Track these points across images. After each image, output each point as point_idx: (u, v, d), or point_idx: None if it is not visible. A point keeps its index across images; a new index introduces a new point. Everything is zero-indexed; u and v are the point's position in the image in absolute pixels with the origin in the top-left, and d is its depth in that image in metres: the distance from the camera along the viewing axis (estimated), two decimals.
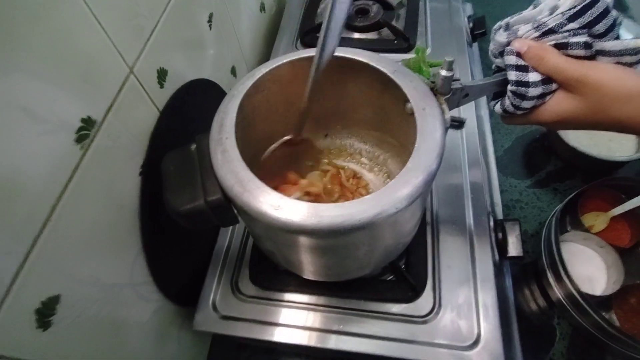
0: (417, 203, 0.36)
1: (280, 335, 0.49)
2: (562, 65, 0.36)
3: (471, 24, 0.81)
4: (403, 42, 0.75)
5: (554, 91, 0.38)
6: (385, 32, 0.79)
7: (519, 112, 0.41)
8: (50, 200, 0.32)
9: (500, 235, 0.55)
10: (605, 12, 0.34)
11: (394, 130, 0.52)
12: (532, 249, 0.68)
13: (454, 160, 0.60)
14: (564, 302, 0.60)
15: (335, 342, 0.48)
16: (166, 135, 0.47)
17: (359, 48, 0.75)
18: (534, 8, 0.39)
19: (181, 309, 0.53)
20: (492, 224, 0.56)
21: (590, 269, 0.63)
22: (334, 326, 0.49)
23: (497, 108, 0.44)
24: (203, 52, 0.57)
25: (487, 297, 0.49)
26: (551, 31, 0.36)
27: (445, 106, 0.41)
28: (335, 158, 0.59)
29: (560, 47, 0.36)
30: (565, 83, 0.37)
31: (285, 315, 0.50)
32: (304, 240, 0.37)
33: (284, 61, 0.45)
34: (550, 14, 0.37)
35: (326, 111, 0.54)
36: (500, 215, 0.66)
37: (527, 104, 0.39)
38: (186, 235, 0.52)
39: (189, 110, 0.52)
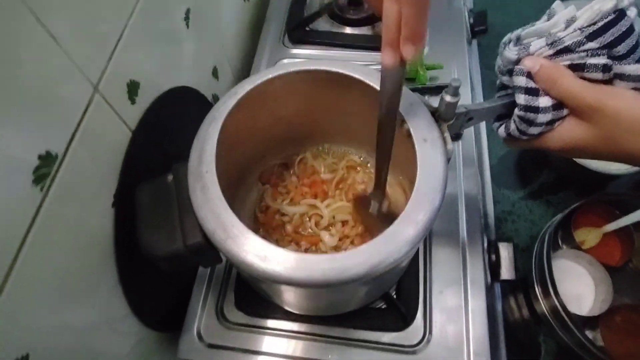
0: (419, 240, 0.34)
1: None
2: (576, 90, 0.33)
3: (471, 20, 0.76)
4: None
5: (564, 117, 0.35)
6: (380, 26, 0.74)
7: (525, 138, 0.38)
8: (7, 258, 0.28)
9: (493, 257, 0.53)
10: (629, 32, 0.31)
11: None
12: (522, 264, 0.67)
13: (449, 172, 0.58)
14: (549, 317, 0.59)
15: None
16: (141, 156, 0.42)
17: (352, 45, 0.72)
18: (548, 19, 0.35)
19: (163, 335, 0.50)
20: (485, 245, 0.54)
21: (579, 287, 0.62)
22: (322, 356, 0.47)
23: (501, 131, 0.40)
24: (180, 56, 0.52)
25: (478, 325, 0.47)
26: (567, 50, 0.33)
27: (447, 134, 0.38)
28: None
29: (575, 68, 0.33)
30: (578, 110, 0.34)
31: (272, 343, 0.48)
32: (293, 288, 0.34)
33: (270, 76, 0.41)
34: (567, 27, 0.33)
35: (325, 125, 0.50)
36: (492, 229, 0.65)
37: (534, 130, 0.36)
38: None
39: (166, 124, 0.47)
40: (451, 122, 0.38)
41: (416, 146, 0.35)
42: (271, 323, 0.49)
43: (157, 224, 0.35)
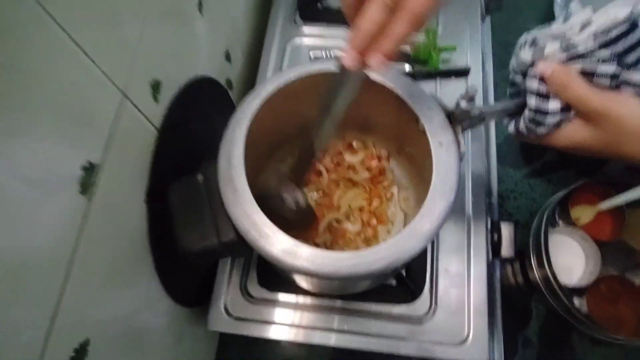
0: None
1: (288, 334, 0.52)
2: (585, 96, 0.35)
3: None
4: None
5: (571, 118, 0.38)
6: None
7: (532, 136, 0.41)
8: (64, 261, 0.31)
9: (495, 235, 0.58)
10: (639, 43, 0.32)
11: (408, 141, 0.51)
12: (521, 237, 0.71)
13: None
14: (541, 286, 0.65)
15: (339, 341, 0.52)
16: (167, 152, 0.44)
17: None
18: (564, 20, 0.36)
19: (192, 310, 0.55)
20: (489, 224, 0.58)
21: (570, 259, 0.67)
22: (339, 326, 0.52)
23: (510, 128, 0.43)
24: (196, 45, 0.52)
25: (479, 301, 0.52)
26: (580, 55, 0.34)
27: (461, 136, 0.40)
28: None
29: (586, 74, 0.35)
30: (585, 114, 0.36)
31: (291, 315, 0.53)
32: (320, 280, 0.38)
33: (291, 77, 0.42)
34: (581, 30, 0.34)
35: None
36: (496, 208, 0.68)
37: (542, 130, 0.39)
38: None
39: (187, 117, 0.49)
40: (465, 124, 0.40)
41: (432, 150, 0.38)
42: (291, 298, 0.54)
43: (191, 222, 0.38)
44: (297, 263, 0.34)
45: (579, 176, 0.65)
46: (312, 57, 0.68)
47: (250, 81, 0.73)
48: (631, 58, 0.33)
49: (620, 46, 0.33)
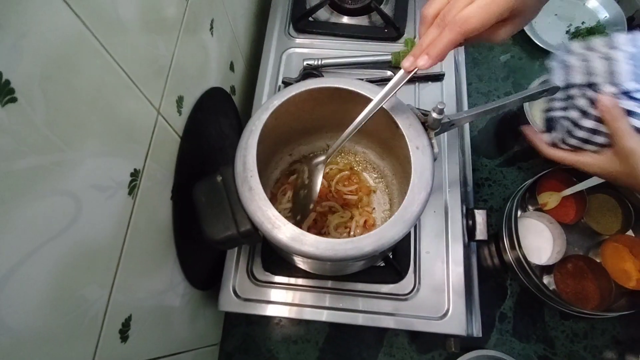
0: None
1: (289, 312, 0.60)
2: (626, 133, 0.43)
3: None
4: (393, 30, 0.78)
5: (597, 143, 0.47)
6: (376, 16, 0.81)
7: (565, 147, 0.50)
8: (118, 249, 0.39)
9: (470, 222, 0.66)
10: None
11: (393, 143, 0.59)
12: (495, 221, 0.80)
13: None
14: (514, 265, 0.74)
15: (331, 317, 0.60)
16: (187, 156, 0.52)
17: (349, 34, 0.79)
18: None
19: (204, 292, 0.63)
20: (464, 211, 0.66)
21: (539, 240, 0.76)
22: (334, 304, 0.61)
23: (547, 139, 0.53)
24: (208, 61, 0.60)
25: (457, 279, 0.61)
26: (627, 95, 0.42)
27: (434, 141, 0.48)
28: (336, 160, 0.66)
29: (628, 112, 0.43)
30: (618, 147, 0.44)
31: (291, 295, 0.61)
32: (323, 262, 0.46)
33: (294, 93, 0.50)
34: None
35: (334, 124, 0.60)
36: (471, 195, 0.77)
37: (572, 142, 0.49)
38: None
39: (203, 126, 0.57)
40: (437, 130, 0.48)
41: (410, 153, 0.46)
42: (291, 280, 0.62)
43: (214, 215, 0.46)
44: (303, 248, 0.42)
45: (545, 165, 0.74)
46: (305, 65, 0.76)
47: (251, 86, 0.81)
48: None
49: None
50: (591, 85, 0.45)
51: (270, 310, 0.61)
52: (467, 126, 0.82)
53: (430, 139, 0.47)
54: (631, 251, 0.74)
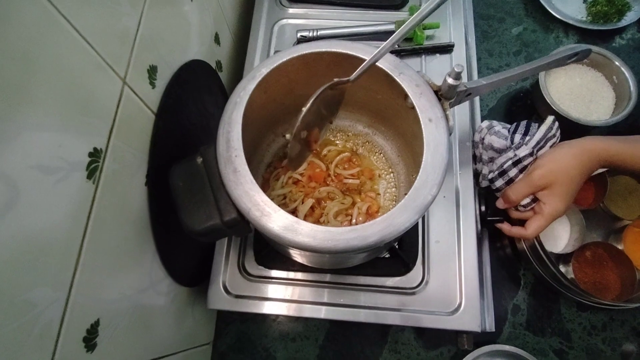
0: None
1: (286, 309, 0.55)
2: (529, 183, 0.54)
3: None
4: None
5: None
6: None
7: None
8: (76, 243, 0.32)
9: (483, 207, 0.60)
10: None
11: (386, 114, 0.52)
12: None
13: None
14: (528, 254, 0.68)
15: (336, 314, 0.54)
16: (165, 137, 0.45)
17: (347, 3, 0.72)
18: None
19: (192, 289, 0.57)
20: (477, 196, 0.60)
21: (556, 227, 0.70)
22: (334, 300, 0.55)
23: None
24: (187, 29, 0.52)
25: (470, 270, 0.55)
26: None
27: (449, 112, 0.42)
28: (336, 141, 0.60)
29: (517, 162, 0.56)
30: (541, 187, 0.53)
31: (289, 291, 0.55)
32: (320, 254, 0.40)
33: (285, 59, 0.43)
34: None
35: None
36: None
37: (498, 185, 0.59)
38: None
39: (182, 102, 0.50)
40: (452, 100, 0.42)
41: (422, 126, 0.39)
42: (287, 274, 0.56)
43: (194, 203, 0.40)
44: (297, 239, 0.36)
45: None
46: (298, 36, 0.68)
47: (239, 63, 0.74)
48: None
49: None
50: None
51: (264, 308, 0.55)
52: (477, 103, 0.76)
53: (444, 110, 0.41)
54: None
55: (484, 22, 0.86)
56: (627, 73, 0.75)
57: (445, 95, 0.41)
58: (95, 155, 0.34)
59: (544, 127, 0.57)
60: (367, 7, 0.71)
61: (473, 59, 0.75)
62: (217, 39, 0.64)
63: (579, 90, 0.77)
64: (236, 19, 0.74)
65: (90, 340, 0.34)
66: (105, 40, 0.35)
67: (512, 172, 0.57)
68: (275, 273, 0.56)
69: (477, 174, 0.62)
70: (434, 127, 0.40)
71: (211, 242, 0.58)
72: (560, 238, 0.70)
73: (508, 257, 0.72)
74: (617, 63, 0.75)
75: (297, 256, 0.50)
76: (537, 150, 0.56)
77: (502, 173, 0.58)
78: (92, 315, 0.35)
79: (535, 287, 0.70)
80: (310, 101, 0.37)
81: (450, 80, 0.40)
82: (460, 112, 0.64)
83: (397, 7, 0.71)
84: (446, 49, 0.67)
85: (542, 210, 0.54)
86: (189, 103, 0.51)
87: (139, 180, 0.42)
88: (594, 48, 0.77)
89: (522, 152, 0.56)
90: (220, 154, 0.39)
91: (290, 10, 0.72)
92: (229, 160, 0.38)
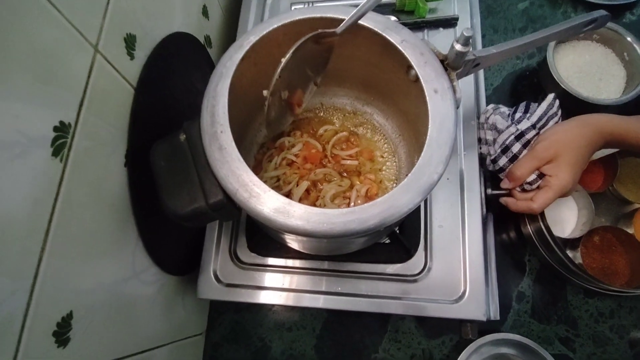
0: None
1: (278, 298, 0.52)
2: (535, 157, 0.52)
3: None
4: None
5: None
6: None
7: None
8: (42, 227, 0.29)
9: (488, 190, 0.57)
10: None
11: (386, 90, 0.48)
12: None
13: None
14: (534, 239, 0.65)
15: (328, 303, 0.51)
16: (146, 113, 0.42)
17: None
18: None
19: (182, 278, 0.54)
20: (482, 178, 0.57)
21: (563, 210, 0.67)
22: (332, 288, 0.52)
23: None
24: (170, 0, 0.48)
25: (475, 256, 0.52)
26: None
27: (456, 83, 0.38)
28: (330, 118, 0.56)
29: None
30: (547, 159, 0.51)
31: (284, 279, 0.52)
32: (316, 240, 0.37)
33: (275, 26, 0.39)
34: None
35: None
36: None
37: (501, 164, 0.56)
38: None
39: (164, 75, 0.46)
40: (460, 69, 0.38)
41: (427, 98, 0.36)
42: (283, 262, 0.53)
43: (177, 184, 0.36)
44: (290, 222, 0.33)
45: None
46: (292, 9, 0.64)
47: (230, 39, 0.69)
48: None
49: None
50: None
51: (258, 297, 0.52)
52: (482, 81, 0.72)
53: (451, 80, 0.37)
54: None
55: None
56: (639, 50, 0.71)
57: (452, 65, 0.38)
58: (63, 130, 0.30)
59: (544, 104, 0.55)
60: None
61: (477, 35, 0.71)
62: (205, 12, 0.59)
63: (589, 67, 0.73)
64: None
65: (61, 334, 0.31)
66: (72, 1, 0.30)
67: (516, 148, 0.54)
68: (269, 261, 0.53)
69: (482, 158, 0.59)
70: (439, 99, 0.36)
71: (200, 228, 0.55)
72: (567, 222, 0.67)
73: (513, 243, 0.69)
74: (629, 39, 0.71)
75: (292, 242, 0.47)
76: (540, 127, 0.54)
77: (505, 149, 0.54)
78: (64, 308, 0.32)
79: (540, 273, 0.67)
80: (290, 52, 0.33)
81: (458, 47, 0.36)
82: (466, 89, 0.60)
83: None
84: (450, 22, 0.63)
85: (550, 182, 0.51)
86: (173, 78, 0.47)
87: (118, 160, 0.39)
88: (609, 25, 0.73)
89: (524, 125, 0.54)
90: (205, 129, 0.35)
91: None
92: (214, 136, 0.35)
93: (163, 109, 0.45)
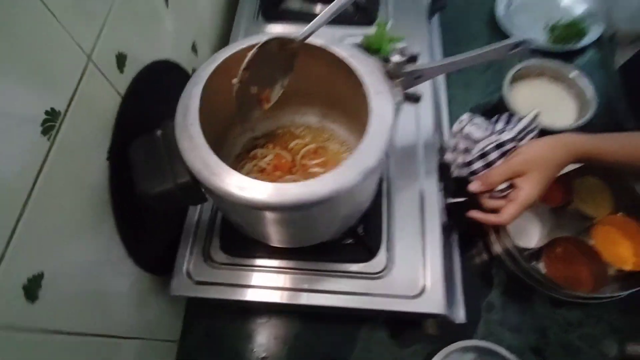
0: (371, 178, 0.41)
1: (250, 295, 0.55)
2: (507, 167, 0.56)
3: None
4: (364, 16, 0.76)
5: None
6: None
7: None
8: (25, 190, 0.33)
9: (449, 199, 0.61)
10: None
11: (347, 107, 0.55)
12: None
13: (409, 134, 0.65)
14: (502, 255, 0.68)
15: (300, 299, 0.54)
16: (130, 120, 0.48)
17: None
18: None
19: (157, 278, 0.57)
20: (441, 189, 0.62)
21: (527, 226, 0.71)
22: (297, 285, 0.55)
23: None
24: (162, 31, 0.57)
25: (434, 255, 0.56)
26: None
27: (398, 89, 0.44)
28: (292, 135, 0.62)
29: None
30: (517, 172, 0.55)
31: (254, 277, 0.56)
32: (269, 214, 0.41)
33: (246, 45, 0.46)
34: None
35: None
36: None
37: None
38: (157, 213, 0.55)
39: (151, 93, 0.53)
40: (401, 79, 0.45)
41: (369, 98, 0.42)
42: (254, 261, 0.57)
43: (150, 169, 0.41)
44: (246, 195, 0.37)
45: None
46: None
47: None
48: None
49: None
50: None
51: (228, 294, 0.55)
52: (446, 113, 0.79)
53: (394, 86, 0.44)
54: (625, 234, 0.69)
55: (454, 45, 0.92)
56: (585, 83, 0.80)
57: (394, 74, 0.45)
58: (52, 115, 0.36)
59: (527, 119, 0.61)
60: (339, 24, 0.77)
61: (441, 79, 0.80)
62: (194, 48, 0.68)
63: (543, 100, 0.82)
64: (216, 34, 0.80)
65: (31, 290, 0.34)
66: (72, 16, 0.38)
67: (493, 155, 0.59)
68: (239, 260, 0.56)
69: (445, 166, 0.64)
70: (381, 98, 0.42)
71: (177, 232, 0.59)
72: (532, 236, 0.71)
73: (480, 257, 0.72)
74: (574, 75, 0.81)
75: (259, 229, 0.50)
76: (519, 140, 0.60)
77: (483, 155, 0.59)
78: (36, 267, 0.35)
79: (508, 285, 0.69)
80: (255, 48, 0.40)
81: (395, 58, 0.43)
82: (425, 123, 0.68)
83: (367, 23, 0.76)
84: (411, 59, 0.71)
85: (518, 196, 0.55)
86: (158, 97, 0.54)
87: (100, 154, 0.44)
88: (554, 63, 0.82)
89: (506, 136, 0.59)
90: (178, 123, 0.41)
91: (267, 27, 0.78)
92: (185, 128, 0.41)
93: (145, 119, 0.52)
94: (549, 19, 0.93)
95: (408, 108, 0.67)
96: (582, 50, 0.90)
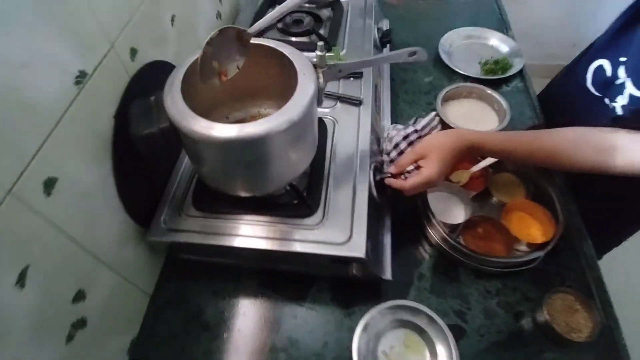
0: (298, 127, 0.57)
1: (213, 240, 0.68)
2: (412, 154, 0.74)
3: (380, 34, 1.06)
4: (325, 45, 0.98)
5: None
6: (314, 37, 1.02)
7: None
8: (57, 115, 0.50)
9: (377, 177, 0.77)
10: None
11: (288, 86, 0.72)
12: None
13: (352, 127, 0.83)
14: (433, 234, 0.81)
15: (249, 243, 0.68)
16: (133, 95, 0.66)
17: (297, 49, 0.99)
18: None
19: (140, 228, 0.71)
20: (372, 169, 0.77)
21: (453, 209, 0.85)
22: (249, 233, 0.69)
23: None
24: (166, 42, 0.78)
25: (360, 214, 0.69)
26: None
27: (320, 74, 0.63)
28: None
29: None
30: (420, 155, 0.72)
31: (217, 226, 0.70)
32: (226, 151, 0.57)
33: None
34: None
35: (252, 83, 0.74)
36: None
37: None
38: (146, 169, 0.71)
39: (151, 80, 0.72)
40: (324, 69, 0.63)
41: (298, 76, 0.60)
42: (216, 215, 0.71)
43: (141, 118, 0.59)
44: (208, 132, 0.54)
45: None
46: None
47: None
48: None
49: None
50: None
51: (193, 238, 0.69)
52: (388, 122, 0.98)
53: (317, 72, 0.62)
54: (533, 216, 0.82)
55: (403, 73, 1.15)
56: (503, 103, 0.99)
57: (319, 64, 0.63)
58: (82, 76, 0.54)
59: (428, 118, 0.83)
60: (306, 51, 0.98)
61: (386, 89, 1.00)
62: None
63: (471, 114, 1.00)
64: None
65: (48, 186, 0.49)
66: (106, 10, 0.58)
67: (402, 145, 0.78)
68: (206, 214, 0.71)
69: (382, 162, 0.82)
70: (306, 78, 0.60)
71: (161, 191, 0.74)
72: (457, 217, 0.84)
73: (416, 237, 0.85)
74: (496, 96, 1.01)
75: (223, 180, 0.65)
76: (423, 134, 0.79)
77: (396, 146, 0.79)
78: (54, 172, 0.50)
79: (438, 260, 0.81)
80: (216, 31, 0.56)
81: (318, 52, 0.62)
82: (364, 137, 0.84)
83: (327, 50, 0.98)
84: (357, 75, 0.91)
85: (420, 172, 0.71)
86: (157, 82, 0.73)
87: (109, 113, 0.62)
88: (479, 86, 1.02)
89: (409, 129, 0.81)
90: (165, 90, 0.59)
91: None
92: (170, 91, 0.59)
93: (144, 96, 0.70)
94: (482, 56, 1.16)
95: (354, 110, 0.86)
96: (509, 78, 1.11)
